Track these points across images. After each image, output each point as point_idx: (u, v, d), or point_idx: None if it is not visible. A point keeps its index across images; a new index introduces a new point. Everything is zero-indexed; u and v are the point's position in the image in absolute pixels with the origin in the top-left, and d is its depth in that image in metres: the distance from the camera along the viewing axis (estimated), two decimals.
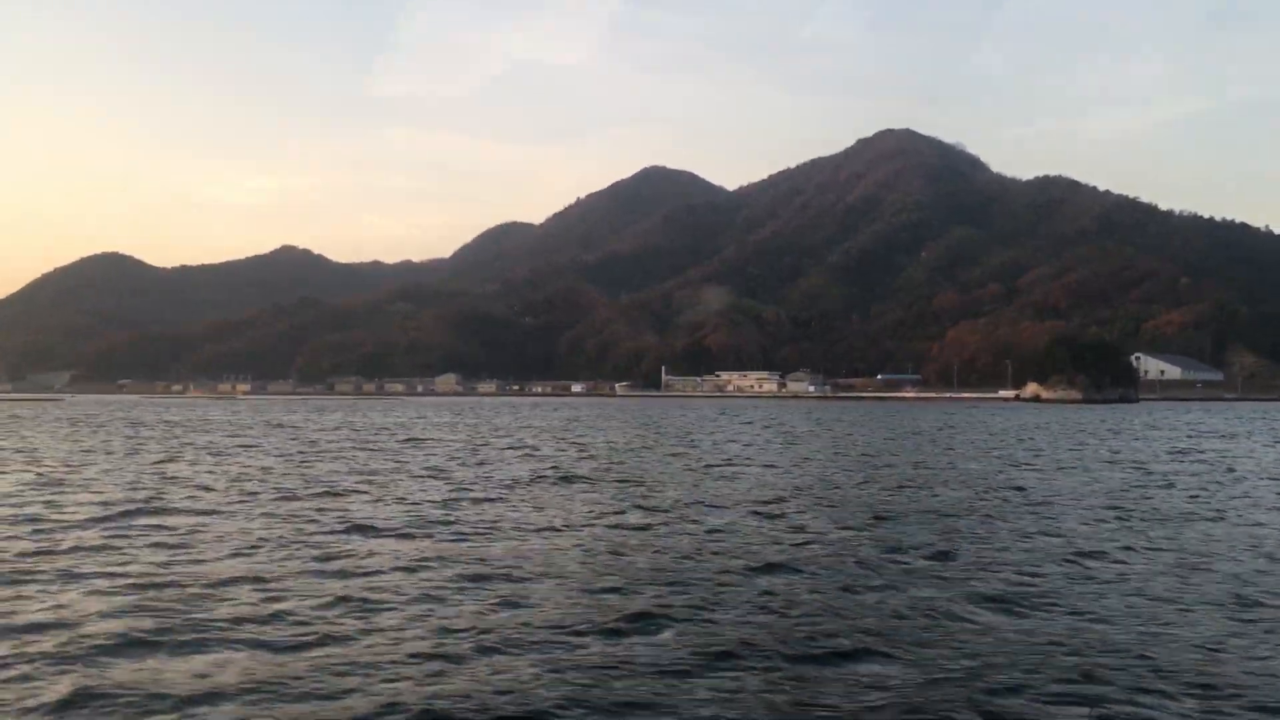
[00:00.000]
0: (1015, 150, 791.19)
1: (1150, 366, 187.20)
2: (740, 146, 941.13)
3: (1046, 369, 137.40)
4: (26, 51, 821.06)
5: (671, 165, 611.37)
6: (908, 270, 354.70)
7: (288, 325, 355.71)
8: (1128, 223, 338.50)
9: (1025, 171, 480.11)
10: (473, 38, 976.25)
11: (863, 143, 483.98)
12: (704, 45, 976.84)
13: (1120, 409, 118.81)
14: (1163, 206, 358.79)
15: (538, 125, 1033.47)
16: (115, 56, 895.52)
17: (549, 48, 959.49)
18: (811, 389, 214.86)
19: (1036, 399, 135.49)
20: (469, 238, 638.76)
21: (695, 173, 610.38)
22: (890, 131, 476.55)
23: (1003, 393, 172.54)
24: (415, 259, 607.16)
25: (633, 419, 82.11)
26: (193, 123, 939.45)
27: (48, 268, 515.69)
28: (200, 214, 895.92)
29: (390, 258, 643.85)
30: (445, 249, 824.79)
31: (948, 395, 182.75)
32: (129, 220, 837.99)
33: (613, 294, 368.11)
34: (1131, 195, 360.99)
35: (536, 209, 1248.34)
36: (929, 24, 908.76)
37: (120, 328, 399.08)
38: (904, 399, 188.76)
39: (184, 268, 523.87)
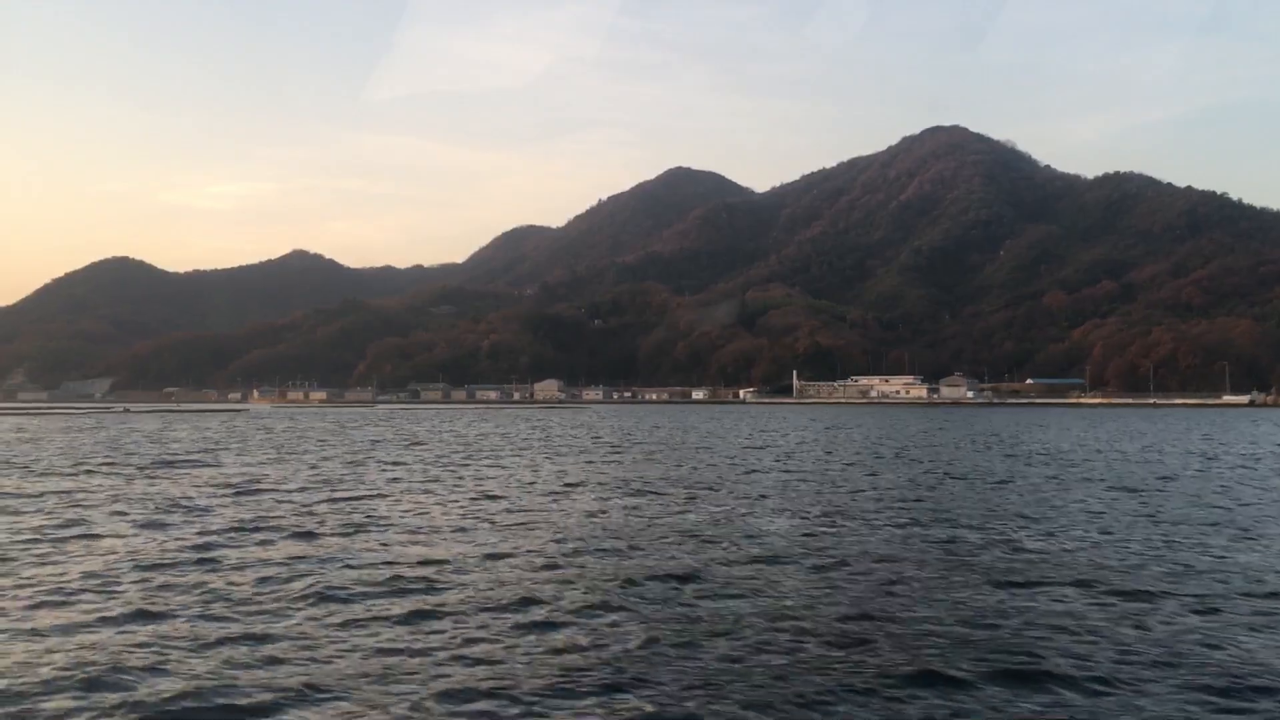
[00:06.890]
0: (1062, 146, 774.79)
1: None
2: (764, 149, 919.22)
3: None
4: (28, 46, 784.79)
5: (696, 166, 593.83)
6: (987, 269, 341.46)
7: (334, 329, 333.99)
8: (1216, 218, 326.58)
9: (1072, 167, 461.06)
10: (471, 40, 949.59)
11: (909, 140, 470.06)
12: (714, 47, 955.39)
13: None
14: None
15: (542, 128, 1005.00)
16: (111, 59, 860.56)
17: (550, 52, 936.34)
18: (970, 395, 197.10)
19: None
20: (480, 242, 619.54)
21: (722, 174, 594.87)
22: (939, 129, 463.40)
23: (1228, 398, 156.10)
24: (425, 264, 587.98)
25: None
26: (193, 126, 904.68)
27: (56, 273, 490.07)
28: (203, 218, 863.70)
29: (399, 262, 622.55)
30: (454, 254, 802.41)
31: (1150, 401, 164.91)
32: (133, 224, 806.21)
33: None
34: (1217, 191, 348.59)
35: (546, 213, 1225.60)
36: (937, 22, 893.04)
37: (136, 332, 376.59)
38: (1086, 404, 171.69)
39: (197, 272, 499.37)
